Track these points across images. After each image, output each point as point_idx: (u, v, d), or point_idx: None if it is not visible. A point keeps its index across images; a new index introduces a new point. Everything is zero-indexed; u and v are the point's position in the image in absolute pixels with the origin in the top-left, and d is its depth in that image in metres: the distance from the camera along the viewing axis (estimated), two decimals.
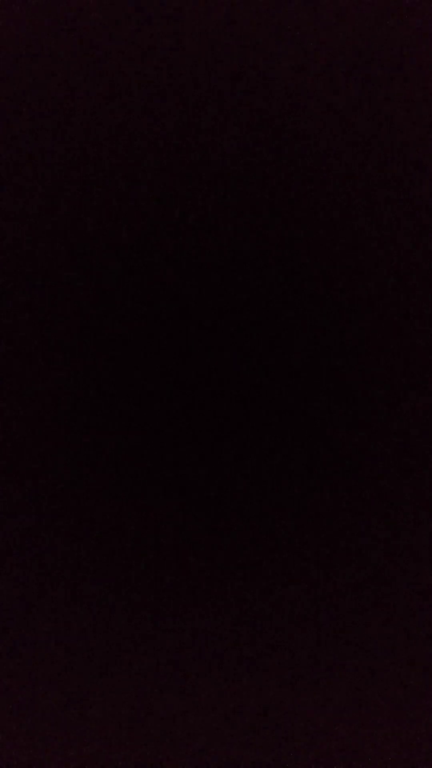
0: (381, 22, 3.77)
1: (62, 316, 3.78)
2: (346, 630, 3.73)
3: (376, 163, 3.77)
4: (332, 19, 3.75)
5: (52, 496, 3.77)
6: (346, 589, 3.74)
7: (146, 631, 3.75)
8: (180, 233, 3.78)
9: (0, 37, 3.77)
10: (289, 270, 3.77)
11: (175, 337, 3.77)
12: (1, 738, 3.72)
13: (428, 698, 3.71)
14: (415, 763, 3.69)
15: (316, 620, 3.73)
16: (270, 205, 3.78)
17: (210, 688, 3.72)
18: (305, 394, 3.76)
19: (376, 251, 3.76)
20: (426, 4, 3.76)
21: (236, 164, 3.78)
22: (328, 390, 3.76)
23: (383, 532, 3.74)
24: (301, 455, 3.76)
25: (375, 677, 3.72)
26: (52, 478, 3.77)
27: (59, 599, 3.75)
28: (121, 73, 3.80)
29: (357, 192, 3.77)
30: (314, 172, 3.78)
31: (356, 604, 3.74)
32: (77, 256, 3.78)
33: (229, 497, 3.76)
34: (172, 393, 3.78)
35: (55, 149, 3.80)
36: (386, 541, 3.74)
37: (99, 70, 3.80)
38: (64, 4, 3.78)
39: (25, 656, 3.75)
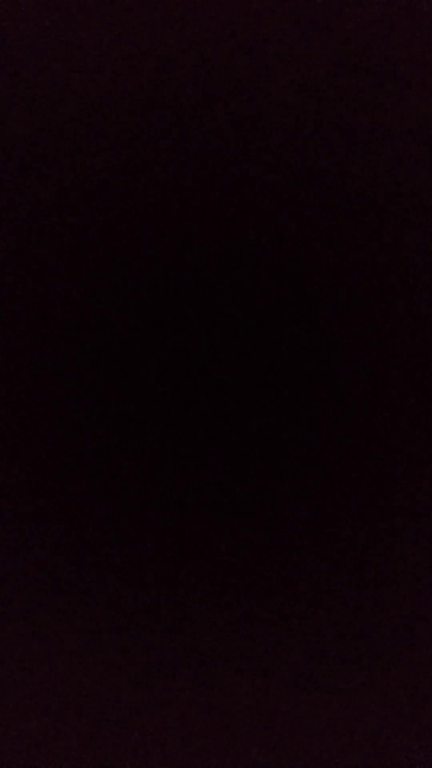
0: (381, 26, 3.78)
1: (61, 318, 3.78)
2: (346, 632, 3.73)
3: (376, 165, 3.78)
4: (332, 23, 3.76)
5: (52, 496, 3.77)
6: (346, 590, 3.74)
7: (146, 632, 3.75)
8: (179, 236, 3.78)
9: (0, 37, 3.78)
10: (287, 273, 3.77)
11: (173, 340, 3.78)
12: (1, 738, 3.72)
13: (428, 699, 3.71)
14: (415, 763, 3.69)
15: (316, 621, 3.73)
16: (269, 207, 3.78)
17: (210, 688, 3.72)
18: (304, 396, 3.76)
19: (375, 255, 3.77)
20: (426, 4, 3.76)
21: (235, 166, 3.79)
22: (328, 391, 3.76)
23: (383, 535, 3.74)
24: (300, 457, 3.76)
25: (375, 678, 3.72)
26: (52, 479, 3.78)
27: (59, 600, 3.75)
28: (120, 77, 3.81)
29: (357, 195, 3.78)
30: (314, 175, 3.78)
31: (356, 606, 3.74)
32: (76, 258, 3.78)
33: (229, 497, 3.76)
34: (171, 393, 3.78)
35: (53, 150, 3.81)
36: (386, 543, 3.74)
37: (98, 72, 3.80)
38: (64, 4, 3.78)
39: (24, 658, 3.75)
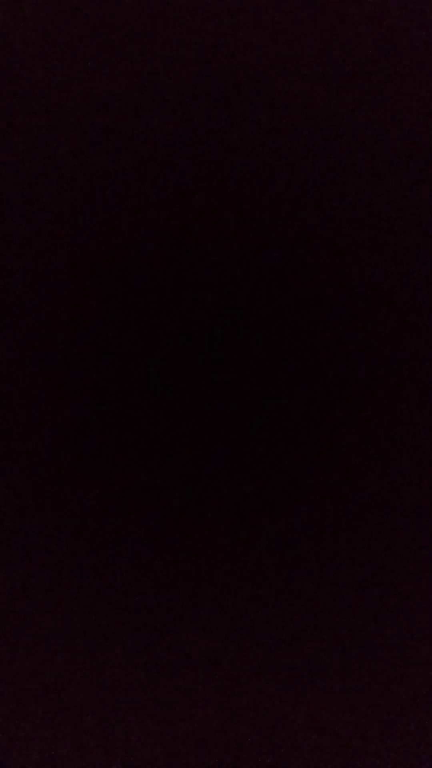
0: (381, 26, 3.78)
1: (61, 320, 3.78)
2: (347, 632, 3.73)
3: (376, 165, 3.78)
4: (332, 23, 3.76)
5: (52, 497, 3.77)
6: (346, 591, 3.74)
7: (146, 632, 3.75)
8: (178, 238, 3.78)
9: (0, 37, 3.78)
10: (287, 273, 3.77)
11: (173, 343, 3.78)
12: (1, 738, 3.72)
13: (428, 699, 3.71)
14: (415, 763, 3.70)
15: (316, 621, 3.74)
16: (269, 209, 3.78)
17: (210, 688, 3.72)
18: (304, 396, 3.76)
19: (376, 257, 3.77)
20: (426, 5, 3.77)
21: (235, 166, 3.79)
22: (328, 393, 3.76)
23: (383, 536, 3.74)
24: (300, 457, 3.76)
25: (375, 678, 3.72)
26: (52, 480, 3.78)
27: (60, 600, 3.75)
28: (120, 77, 3.80)
29: (356, 195, 3.78)
30: (313, 177, 3.78)
31: (356, 606, 3.74)
32: (77, 259, 3.78)
33: (228, 497, 3.76)
34: (171, 393, 3.78)
35: (53, 150, 3.81)
36: (386, 544, 3.74)
37: (98, 71, 3.80)
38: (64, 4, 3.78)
39: (24, 658, 3.75)
